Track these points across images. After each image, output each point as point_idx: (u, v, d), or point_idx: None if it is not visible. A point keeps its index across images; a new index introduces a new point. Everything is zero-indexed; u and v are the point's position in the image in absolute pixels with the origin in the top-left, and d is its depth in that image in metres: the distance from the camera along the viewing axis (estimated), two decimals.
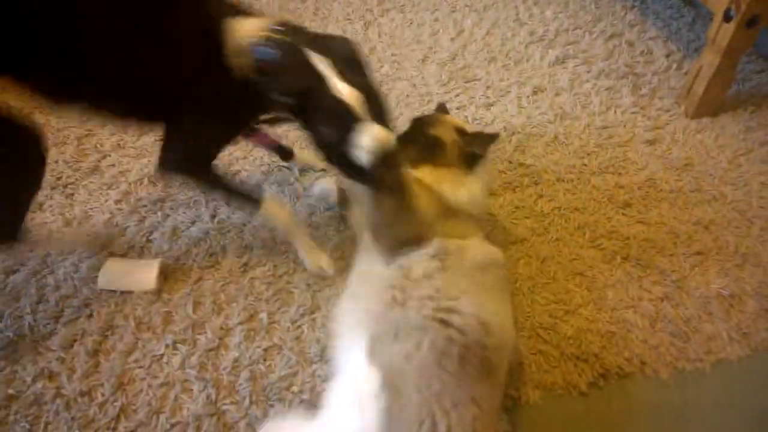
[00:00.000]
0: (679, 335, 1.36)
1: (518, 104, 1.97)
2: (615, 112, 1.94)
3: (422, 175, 1.29)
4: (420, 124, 1.38)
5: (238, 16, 1.12)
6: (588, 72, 2.10)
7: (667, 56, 2.16)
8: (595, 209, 1.63)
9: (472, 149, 1.33)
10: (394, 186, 1.13)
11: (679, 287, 1.45)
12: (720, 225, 1.59)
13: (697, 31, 2.28)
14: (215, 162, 1.32)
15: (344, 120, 1.05)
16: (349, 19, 2.40)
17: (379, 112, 1.09)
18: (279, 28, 1.09)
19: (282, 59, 1.05)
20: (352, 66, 1.07)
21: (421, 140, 1.34)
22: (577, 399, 1.26)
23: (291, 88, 1.06)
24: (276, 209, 1.39)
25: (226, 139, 1.34)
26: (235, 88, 1.13)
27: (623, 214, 1.61)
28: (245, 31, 1.08)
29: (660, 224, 1.59)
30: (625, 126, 1.89)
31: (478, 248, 1.22)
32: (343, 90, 1.04)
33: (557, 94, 2.01)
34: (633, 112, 1.94)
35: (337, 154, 1.10)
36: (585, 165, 1.76)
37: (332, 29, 2.35)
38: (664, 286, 1.45)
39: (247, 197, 1.37)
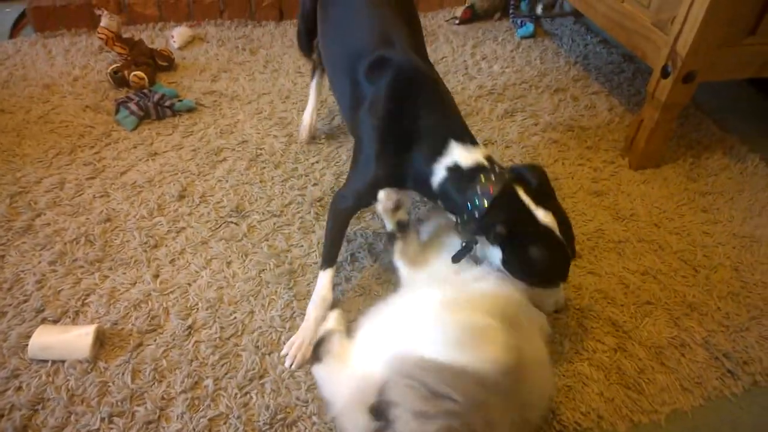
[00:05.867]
0: (633, 387, 1.35)
1: None
2: (562, 164, 1.98)
3: None
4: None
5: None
6: (535, 125, 2.16)
7: (610, 110, 2.24)
8: None
9: None
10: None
11: (631, 338, 1.45)
12: (667, 274, 1.61)
13: (637, 85, 2.39)
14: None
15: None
16: (299, 72, 2.41)
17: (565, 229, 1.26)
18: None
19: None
20: (543, 191, 1.27)
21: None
22: None
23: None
24: (325, 285, 1.44)
25: None
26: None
27: (575, 264, 1.62)
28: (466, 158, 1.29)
29: (610, 274, 1.60)
30: (572, 177, 1.93)
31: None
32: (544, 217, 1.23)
33: (507, 147, 2.05)
34: (579, 164, 1.99)
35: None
36: None
37: (282, 81, 2.35)
38: (617, 336, 1.45)
39: (329, 254, 1.46)
